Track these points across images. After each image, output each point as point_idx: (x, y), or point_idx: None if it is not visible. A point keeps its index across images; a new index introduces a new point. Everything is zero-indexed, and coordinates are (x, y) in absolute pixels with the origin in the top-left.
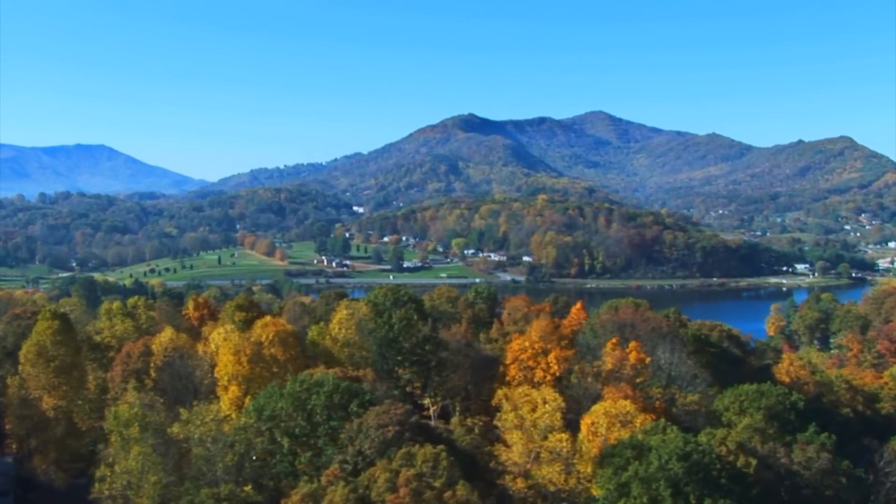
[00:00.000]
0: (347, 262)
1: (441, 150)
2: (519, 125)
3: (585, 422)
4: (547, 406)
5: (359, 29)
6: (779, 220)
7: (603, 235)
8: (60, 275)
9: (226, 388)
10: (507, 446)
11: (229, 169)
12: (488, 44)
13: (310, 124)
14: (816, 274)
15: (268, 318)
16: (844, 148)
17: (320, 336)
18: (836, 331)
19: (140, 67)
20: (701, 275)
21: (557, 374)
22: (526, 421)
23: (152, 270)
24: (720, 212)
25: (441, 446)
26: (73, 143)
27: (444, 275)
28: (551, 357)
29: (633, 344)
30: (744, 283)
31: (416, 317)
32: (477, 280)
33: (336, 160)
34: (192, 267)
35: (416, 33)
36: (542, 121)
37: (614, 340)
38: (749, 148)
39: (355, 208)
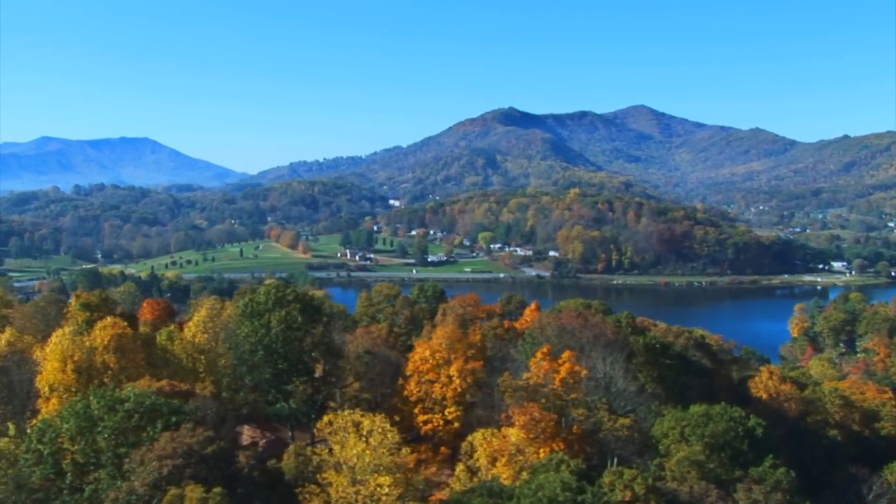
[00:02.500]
0: (371, 255)
1: (480, 143)
2: (559, 119)
3: (484, 452)
4: (371, 438)
5: (401, 22)
6: (820, 216)
7: (632, 230)
8: (83, 266)
9: (47, 401)
10: (322, 487)
11: (270, 162)
12: (530, 37)
13: (350, 118)
14: (854, 272)
15: (109, 319)
16: (891, 143)
17: (169, 341)
18: (862, 333)
19: (184, 61)
20: (732, 272)
21: (459, 389)
22: (349, 456)
23: (174, 262)
24: (760, 207)
25: (217, 489)
26: (118, 136)
27: (468, 269)
28: (453, 369)
29: (566, 354)
30: (777, 280)
31: (300, 319)
32: (501, 275)
33: (375, 153)
34: (213, 259)
35: (458, 26)
36: (583, 115)
37: (545, 349)
38: (793, 143)
39: (391, 202)
